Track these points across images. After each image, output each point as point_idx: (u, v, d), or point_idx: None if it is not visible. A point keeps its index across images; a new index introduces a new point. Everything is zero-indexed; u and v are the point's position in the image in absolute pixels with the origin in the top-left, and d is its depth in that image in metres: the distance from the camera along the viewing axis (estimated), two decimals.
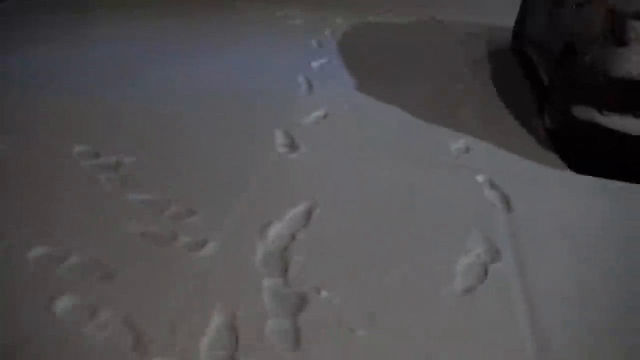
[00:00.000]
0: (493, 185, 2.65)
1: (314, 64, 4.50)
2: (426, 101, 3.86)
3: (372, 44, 5.35)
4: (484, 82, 4.40)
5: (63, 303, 1.72)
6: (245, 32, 5.49)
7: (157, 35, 5.13)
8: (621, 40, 2.79)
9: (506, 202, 2.51)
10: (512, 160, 3.01)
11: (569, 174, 2.91)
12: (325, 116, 3.44)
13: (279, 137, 3.00)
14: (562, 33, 3.50)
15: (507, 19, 6.33)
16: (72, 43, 4.69)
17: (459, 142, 3.19)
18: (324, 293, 1.82)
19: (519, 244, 2.19)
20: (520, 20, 5.25)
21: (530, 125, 3.53)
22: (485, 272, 2.01)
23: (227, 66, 4.38)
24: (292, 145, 2.92)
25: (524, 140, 3.32)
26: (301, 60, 4.56)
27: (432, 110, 3.68)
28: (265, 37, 5.30)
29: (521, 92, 4.23)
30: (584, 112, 2.98)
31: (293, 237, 2.11)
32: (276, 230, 2.14)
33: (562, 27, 3.59)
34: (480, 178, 2.70)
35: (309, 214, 2.26)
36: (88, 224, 2.13)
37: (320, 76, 4.22)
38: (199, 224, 2.15)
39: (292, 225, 2.18)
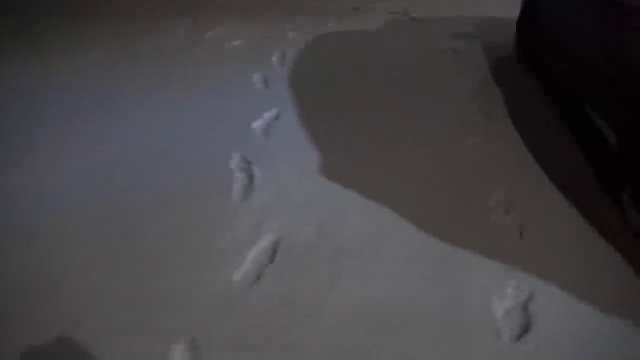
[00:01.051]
0: None
1: (256, 125, 2.94)
2: (433, 184, 2.38)
3: (337, 70, 3.77)
4: (502, 128, 2.91)
5: None
6: (154, 72, 3.74)
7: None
8: None
9: None
10: (607, 327, 1.59)
11: None
12: (273, 252, 1.95)
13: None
14: None
15: (492, 9, 4.94)
16: None
17: (505, 295, 1.75)
18: None
19: None
20: (527, 21, 3.73)
21: (603, 224, 2.09)
22: None
23: (107, 151, 2.70)
24: None
25: (605, 260, 1.90)
26: (236, 122, 2.96)
27: (443, 203, 2.22)
28: (183, 81, 3.58)
29: (559, 140, 2.75)
30: None
31: None
32: None
33: None
34: None
35: None
36: None
37: (265, 151, 2.66)
38: None
39: None
